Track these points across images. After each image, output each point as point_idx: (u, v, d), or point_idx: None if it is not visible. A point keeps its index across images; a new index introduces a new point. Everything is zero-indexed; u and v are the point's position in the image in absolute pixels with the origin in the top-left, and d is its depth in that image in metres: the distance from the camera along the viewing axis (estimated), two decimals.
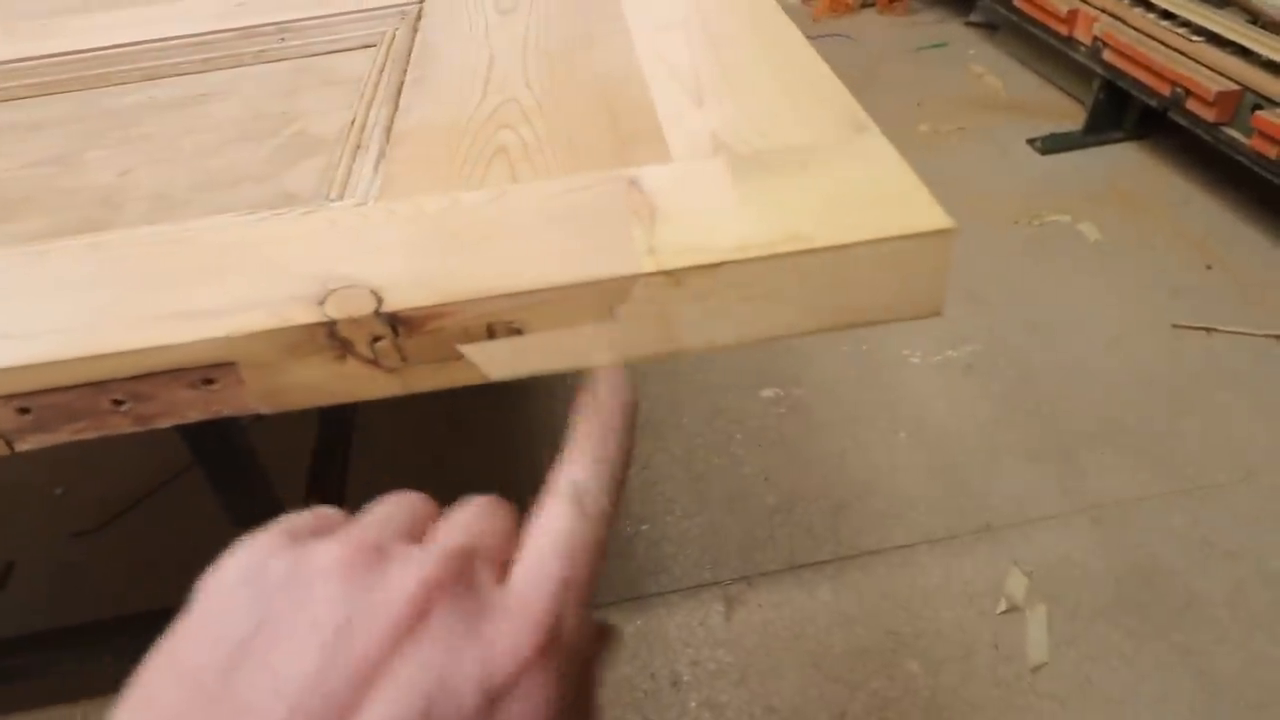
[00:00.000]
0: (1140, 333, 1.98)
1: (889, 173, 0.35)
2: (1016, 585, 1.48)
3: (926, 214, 0.32)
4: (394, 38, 0.58)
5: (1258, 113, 1.92)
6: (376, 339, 0.32)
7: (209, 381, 0.32)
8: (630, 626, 1.46)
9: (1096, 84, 2.55)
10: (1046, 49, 2.70)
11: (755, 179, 0.37)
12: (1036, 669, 1.38)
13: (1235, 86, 1.99)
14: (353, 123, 0.48)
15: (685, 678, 1.39)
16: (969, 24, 3.27)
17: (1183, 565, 1.49)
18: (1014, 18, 2.73)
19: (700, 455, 1.76)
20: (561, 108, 0.45)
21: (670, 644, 1.45)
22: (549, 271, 0.32)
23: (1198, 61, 2.11)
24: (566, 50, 0.52)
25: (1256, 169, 2.00)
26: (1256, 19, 2.03)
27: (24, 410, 0.32)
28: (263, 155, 0.47)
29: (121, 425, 0.33)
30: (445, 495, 0.26)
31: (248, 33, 0.61)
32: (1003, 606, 1.46)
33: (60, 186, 0.46)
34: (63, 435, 0.32)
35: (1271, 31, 1.98)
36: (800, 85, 0.44)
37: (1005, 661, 1.39)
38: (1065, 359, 1.88)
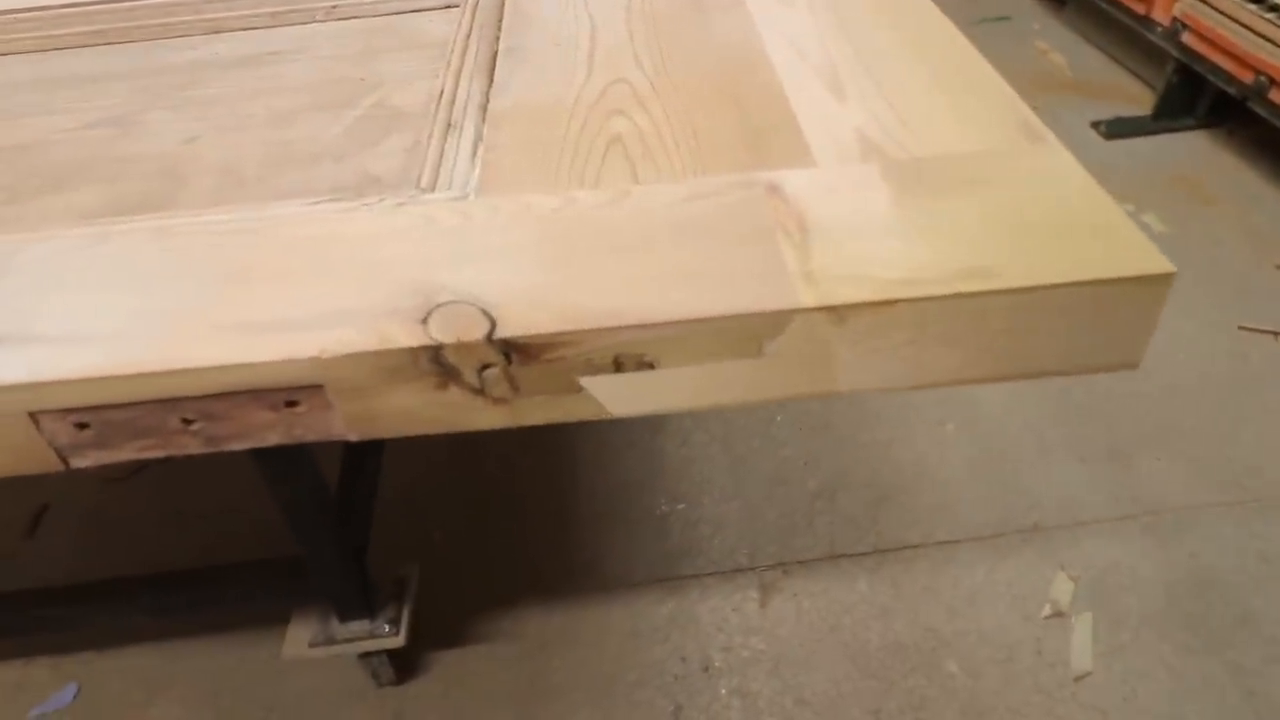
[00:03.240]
0: (1204, 333, 1.90)
1: (1080, 196, 0.30)
2: (1062, 590, 1.44)
3: (1139, 254, 0.27)
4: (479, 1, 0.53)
5: None
6: (486, 366, 0.28)
7: (292, 404, 0.28)
8: (663, 608, 1.44)
9: (1170, 67, 2.44)
10: (1118, 27, 2.58)
11: (918, 193, 0.32)
12: (1080, 678, 1.35)
13: None
14: (440, 95, 0.43)
15: (717, 663, 1.37)
16: None
17: (1238, 579, 1.44)
18: None
19: (740, 436, 1.72)
20: (679, 91, 0.40)
21: (703, 628, 1.42)
22: (690, 299, 0.27)
23: None
24: (675, 19, 0.47)
25: None
26: None
27: (82, 425, 0.28)
28: (341, 128, 0.42)
29: (190, 446, 0.29)
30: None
31: None
32: (1047, 611, 1.42)
33: (120, 153, 0.42)
34: (125, 453, 0.28)
35: None
36: (952, 76, 0.38)
37: (1048, 668, 1.35)
38: None
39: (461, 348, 0.27)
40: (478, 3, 0.53)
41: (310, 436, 0.29)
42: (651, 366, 0.28)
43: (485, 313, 0.28)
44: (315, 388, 0.28)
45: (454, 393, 0.28)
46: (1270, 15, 2.13)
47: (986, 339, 0.28)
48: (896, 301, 0.27)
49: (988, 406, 1.83)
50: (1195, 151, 2.50)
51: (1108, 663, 1.38)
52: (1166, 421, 1.79)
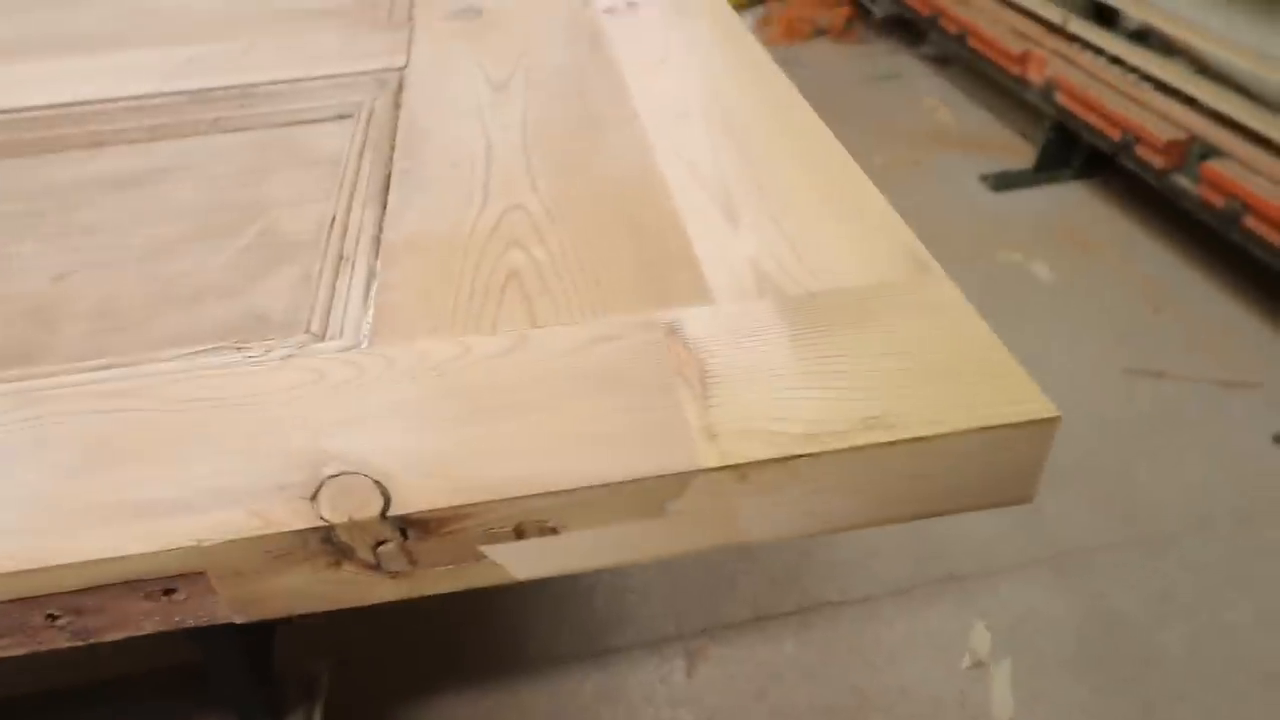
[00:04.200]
0: (1094, 376, 2.00)
1: (968, 334, 0.31)
2: (981, 640, 1.47)
3: (1026, 399, 0.28)
4: (373, 110, 0.52)
5: (1206, 163, 1.96)
6: (381, 543, 0.26)
7: (170, 591, 0.26)
8: (589, 684, 1.41)
9: (1047, 124, 2.59)
10: (998, 86, 2.73)
11: (813, 333, 0.32)
12: None
13: (1184, 135, 2.04)
14: (332, 223, 0.42)
15: None
16: (921, 56, 3.30)
17: (1142, 617, 1.49)
18: (966, 54, 2.76)
19: None
20: (576, 219, 0.40)
21: (631, 702, 1.40)
22: (593, 464, 0.27)
23: (1147, 108, 2.15)
24: (571, 137, 0.47)
25: (1203, 217, 2.05)
26: (1203, 69, 2.07)
27: None
28: (226, 259, 0.40)
29: (57, 640, 0.26)
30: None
31: (204, 96, 0.54)
32: (968, 661, 1.44)
33: None
34: None
35: (1217, 83, 2.03)
36: (842, 200, 0.39)
37: None
38: None
39: (354, 526, 0.26)
40: (371, 114, 0.52)
41: (191, 623, 0.27)
42: (555, 531, 0.27)
43: (379, 485, 0.27)
44: (196, 574, 0.26)
45: (347, 570, 0.27)
46: (1132, 77, 2.29)
47: (885, 486, 0.28)
48: (798, 457, 0.27)
49: None
50: (1075, 201, 2.65)
51: (1030, 709, 1.41)
52: (1066, 464, 1.86)
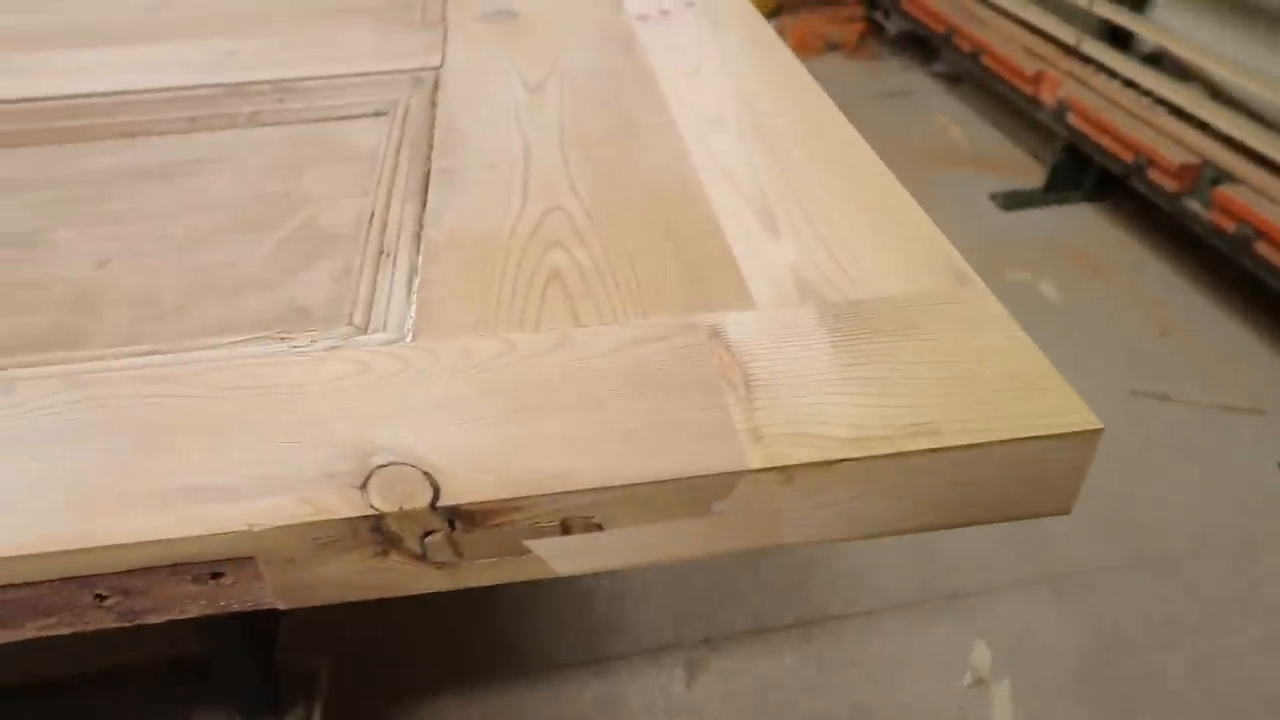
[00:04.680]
0: (1100, 397, 1.99)
1: (1009, 345, 0.31)
2: (982, 658, 1.47)
3: (1070, 410, 0.28)
4: (408, 108, 0.53)
5: (1218, 187, 1.97)
6: (429, 533, 0.27)
7: (217, 576, 0.26)
8: (589, 691, 1.41)
9: (1058, 144, 2.60)
10: (1010, 105, 2.74)
11: (856, 340, 0.32)
12: None
13: (1197, 159, 2.04)
14: (372, 217, 0.42)
15: None
16: (933, 74, 3.31)
17: (1143, 639, 1.49)
18: (979, 72, 2.77)
19: None
20: (616, 222, 0.40)
21: (630, 711, 1.39)
22: (639, 462, 0.27)
23: (1159, 131, 2.16)
24: (608, 142, 0.47)
25: (1213, 241, 2.05)
26: (1216, 94, 2.08)
27: None
28: (265, 251, 0.41)
29: (104, 621, 0.26)
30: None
31: (240, 90, 0.55)
32: (969, 679, 1.44)
33: (25, 278, 0.39)
34: (29, 632, 0.26)
35: (1231, 108, 2.03)
36: (879, 210, 0.39)
37: None
38: None
39: (404, 516, 0.26)
40: (407, 112, 0.52)
41: (237, 607, 0.27)
42: (600, 528, 0.27)
43: (428, 477, 0.27)
44: (244, 559, 0.26)
45: (394, 560, 0.27)
46: (1145, 100, 2.30)
47: (928, 493, 0.28)
48: (843, 461, 0.27)
49: None
50: (1084, 223, 2.66)
51: None
52: None
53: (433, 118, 0.51)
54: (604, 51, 0.57)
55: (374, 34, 0.61)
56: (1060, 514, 0.29)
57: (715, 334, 0.33)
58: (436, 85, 0.55)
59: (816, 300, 0.34)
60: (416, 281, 0.37)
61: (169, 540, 0.25)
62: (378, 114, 0.53)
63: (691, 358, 0.31)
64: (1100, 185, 2.64)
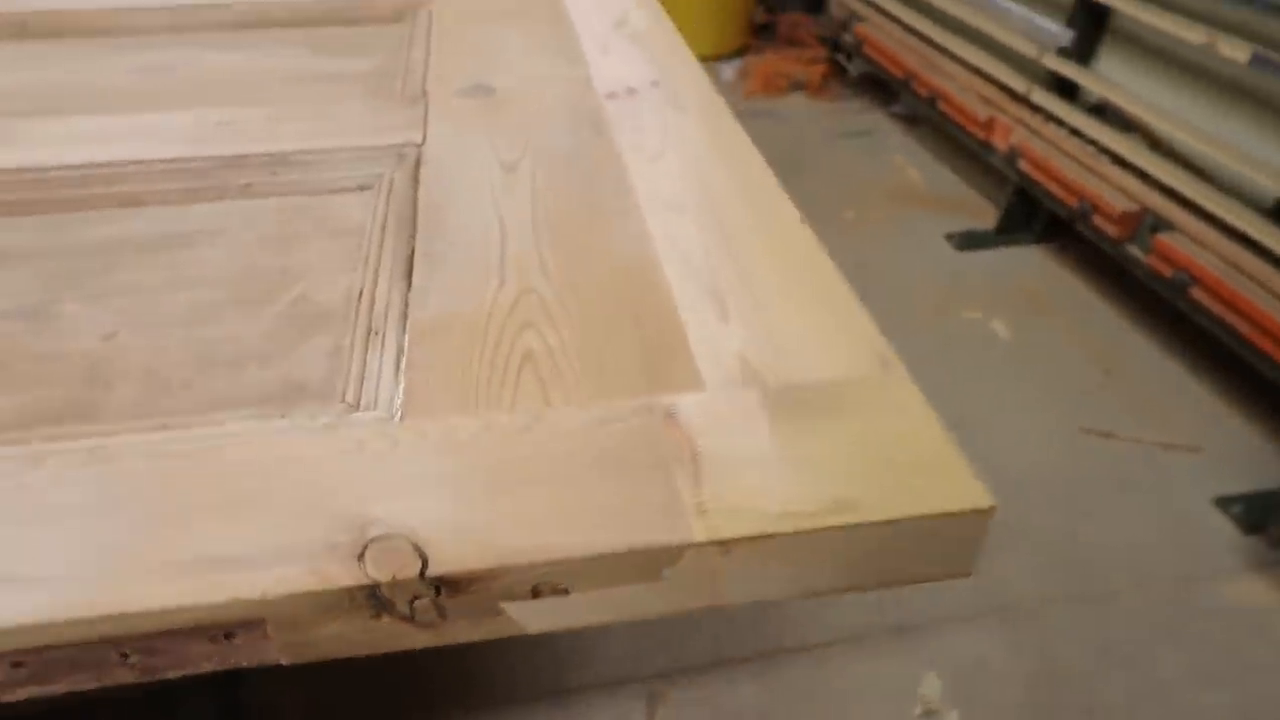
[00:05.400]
0: (1047, 436, 2.08)
1: (922, 429, 0.37)
2: (931, 688, 1.52)
3: (969, 491, 0.33)
4: (393, 184, 0.57)
5: (1157, 235, 2.07)
6: (416, 598, 0.31)
7: (230, 636, 0.30)
8: None
9: (1010, 188, 2.70)
10: (964, 148, 2.85)
11: (791, 421, 0.37)
12: None
13: (1138, 207, 2.14)
14: (360, 295, 0.46)
15: None
16: (892, 114, 3.42)
17: (1085, 671, 1.55)
18: (935, 116, 2.87)
19: None
20: (584, 303, 0.45)
21: None
22: (603, 535, 0.32)
23: (1103, 179, 2.26)
24: (578, 224, 0.52)
25: (1153, 285, 2.15)
26: (1156, 145, 2.19)
27: (17, 665, 0.29)
28: (263, 326, 0.45)
29: (127, 677, 0.30)
30: None
31: (235, 162, 0.59)
32: (919, 710, 1.49)
33: (38, 351, 0.43)
34: (61, 687, 0.30)
35: (1169, 159, 2.14)
36: (816, 297, 0.45)
37: None
38: (980, 457, 1.95)
39: (396, 584, 0.30)
40: (391, 188, 0.57)
41: (245, 663, 0.31)
42: (566, 592, 0.32)
43: (417, 548, 0.31)
44: (256, 622, 0.30)
45: (385, 621, 0.31)
46: (1090, 149, 2.40)
47: (849, 560, 0.33)
48: (774, 535, 0.32)
49: None
50: (1035, 264, 2.75)
51: None
52: (1019, 518, 1.93)
53: (415, 195, 0.55)
54: (575, 132, 0.62)
55: (361, 106, 0.66)
56: (962, 577, 0.34)
57: (669, 415, 0.37)
58: (419, 161, 0.60)
59: (759, 383, 0.39)
60: (403, 361, 0.42)
61: (190, 607, 0.29)
62: (363, 188, 0.58)
63: (648, 437, 0.36)
64: (1049, 228, 2.74)
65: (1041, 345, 2.38)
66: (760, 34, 3.92)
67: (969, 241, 2.79)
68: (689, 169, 0.57)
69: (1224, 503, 1.92)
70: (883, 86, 3.30)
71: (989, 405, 2.17)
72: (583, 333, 0.43)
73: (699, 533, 0.32)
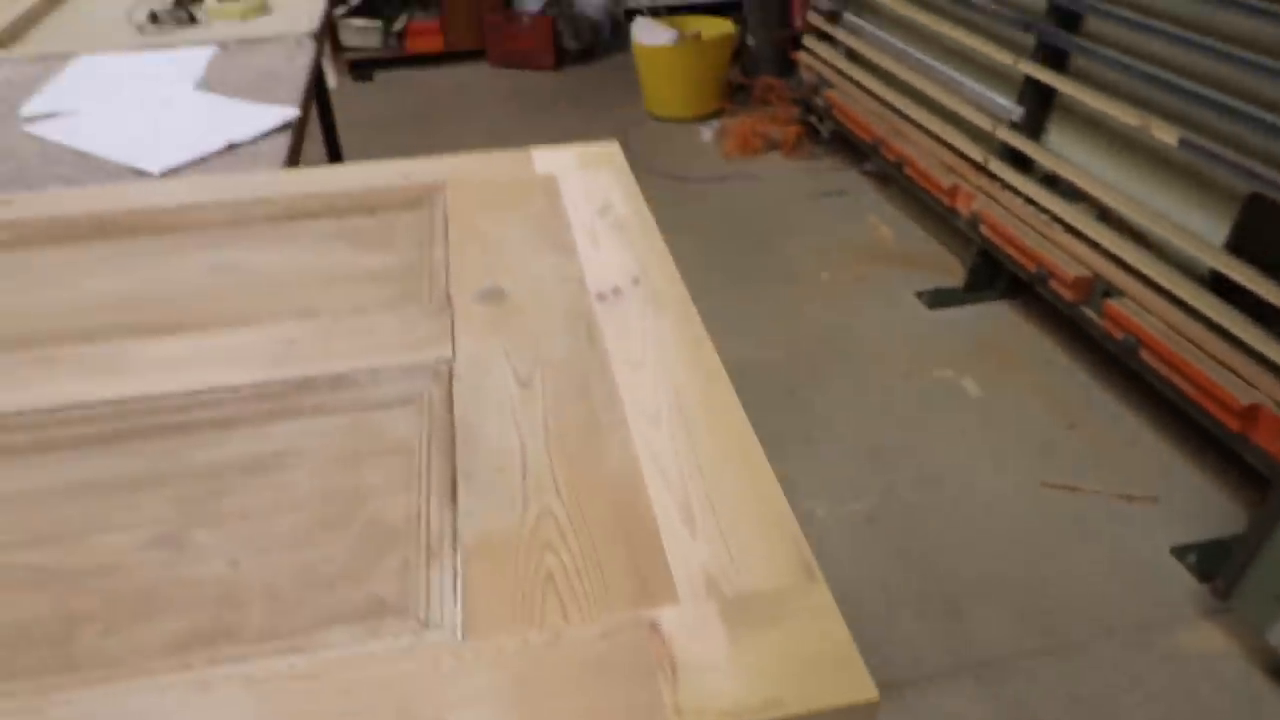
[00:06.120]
0: (1014, 489, 2.23)
1: (833, 630, 0.52)
2: None
3: (861, 686, 0.49)
4: (431, 400, 0.72)
5: (1108, 300, 2.23)
6: None
7: None
8: None
9: (974, 248, 2.87)
10: (932, 209, 3.03)
11: (741, 629, 0.52)
12: None
13: (1089, 273, 2.31)
14: (419, 516, 0.62)
15: None
16: (864, 172, 3.61)
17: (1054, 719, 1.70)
18: (902, 179, 3.05)
19: None
20: (588, 522, 0.60)
21: None
22: None
23: (1057, 246, 2.43)
24: (579, 438, 0.67)
25: (1107, 345, 2.31)
26: (1105, 215, 2.36)
27: None
28: (347, 545, 0.60)
29: None
30: None
31: (304, 384, 0.74)
32: None
33: (180, 577, 0.58)
34: None
35: (1115, 228, 2.31)
36: (760, 512, 0.60)
37: None
38: (951, 513, 2.11)
39: None
40: (430, 404, 0.72)
41: None
42: None
43: None
44: None
45: None
46: (1045, 217, 2.57)
47: None
48: None
49: (839, 566, 2.07)
50: (1001, 320, 2.92)
51: None
52: (989, 572, 2.08)
53: (451, 412, 0.71)
54: (573, 339, 0.77)
55: (397, 319, 0.81)
56: None
57: (653, 628, 0.52)
58: (450, 376, 0.75)
59: (718, 596, 0.55)
60: (459, 584, 0.57)
61: None
62: (406, 402, 0.73)
63: (639, 649, 0.51)
64: (1013, 286, 2.91)
65: (1009, 401, 2.53)
66: (735, 96, 4.12)
67: (939, 299, 2.95)
68: (663, 379, 0.73)
69: (1180, 551, 2.07)
70: (854, 145, 3.49)
71: (962, 461, 2.33)
72: (588, 552, 0.58)
73: None
